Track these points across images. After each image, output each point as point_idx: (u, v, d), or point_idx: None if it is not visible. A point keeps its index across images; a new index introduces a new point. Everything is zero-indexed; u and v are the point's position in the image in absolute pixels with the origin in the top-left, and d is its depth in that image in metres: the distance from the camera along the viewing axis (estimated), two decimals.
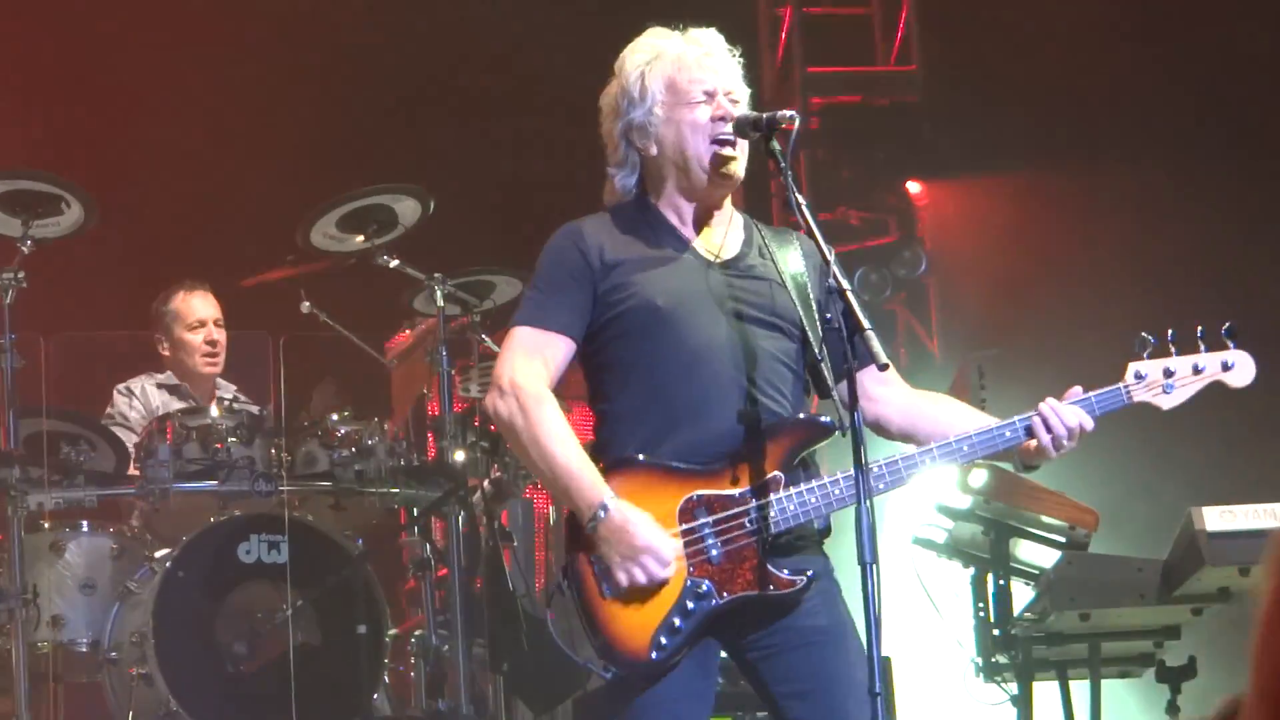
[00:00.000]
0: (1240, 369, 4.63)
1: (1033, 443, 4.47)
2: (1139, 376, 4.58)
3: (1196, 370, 4.61)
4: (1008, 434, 4.48)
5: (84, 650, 7.12)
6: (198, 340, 8.08)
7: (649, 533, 4.29)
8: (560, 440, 4.38)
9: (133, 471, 7.27)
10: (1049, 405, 4.47)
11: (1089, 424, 4.48)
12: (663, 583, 4.31)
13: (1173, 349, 4.61)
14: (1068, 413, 4.46)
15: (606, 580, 4.34)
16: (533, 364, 4.45)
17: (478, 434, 7.44)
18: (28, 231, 7.01)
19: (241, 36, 10.24)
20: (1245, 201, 9.56)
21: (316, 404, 7.64)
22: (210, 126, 10.26)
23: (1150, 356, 4.58)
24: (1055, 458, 4.48)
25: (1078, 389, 4.52)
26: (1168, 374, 4.59)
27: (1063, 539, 6.64)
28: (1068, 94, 10.22)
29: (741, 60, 4.65)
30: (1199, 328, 4.62)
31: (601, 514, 4.30)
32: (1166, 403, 4.60)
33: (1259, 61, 9.64)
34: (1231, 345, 4.63)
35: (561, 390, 4.57)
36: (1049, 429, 4.44)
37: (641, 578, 4.28)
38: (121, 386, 8.11)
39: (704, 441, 4.40)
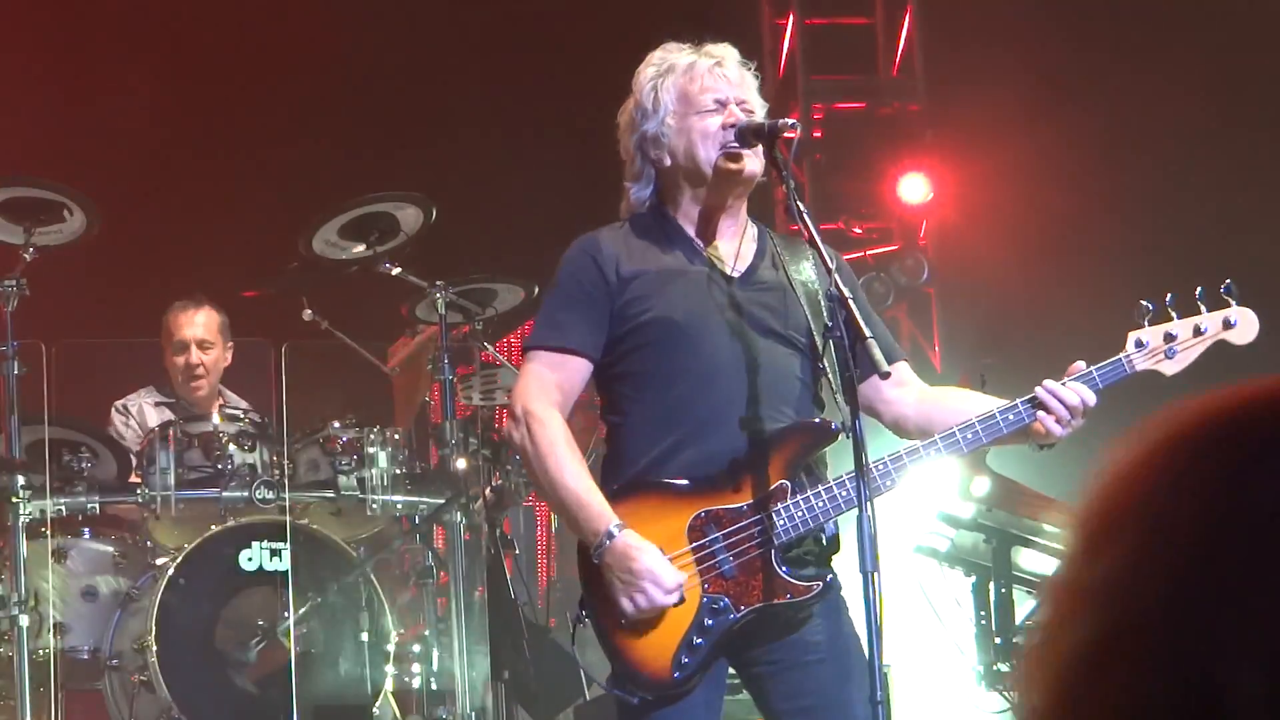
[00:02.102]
0: (1243, 326, 4.49)
1: (1037, 426, 4.44)
2: (1140, 345, 4.47)
3: (1198, 332, 4.48)
4: (1010, 417, 4.44)
5: (85, 657, 7.12)
6: (179, 362, 8.06)
7: (651, 559, 4.28)
8: (568, 469, 4.38)
9: (134, 479, 7.27)
10: (1047, 386, 4.44)
11: (1090, 399, 4.43)
12: (665, 609, 4.31)
13: (1173, 313, 4.48)
14: (1066, 393, 4.42)
15: (634, 618, 4.33)
16: (545, 388, 4.45)
17: (479, 442, 7.44)
18: (30, 239, 7.01)
19: (245, 45, 10.25)
20: (1253, 204, 9.56)
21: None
22: (213, 133, 10.27)
23: (1150, 323, 4.48)
24: (1058, 435, 4.43)
25: (1080, 364, 4.48)
26: (1169, 339, 4.46)
27: (1065, 547, 6.63)
28: (1071, 102, 10.21)
29: (758, 76, 4.65)
30: (1198, 289, 4.52)
31: (607, 541, 4.29)
32: (1170, 368, 4.46)
33: (1266, 70, 9.65)
34: (1233, 303, 4.50)
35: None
36: (1049, 410, 4.41)
37: (643, 603, 4.27)
38: (119, 404, 8.09)
39: (713, 456, 4.40)
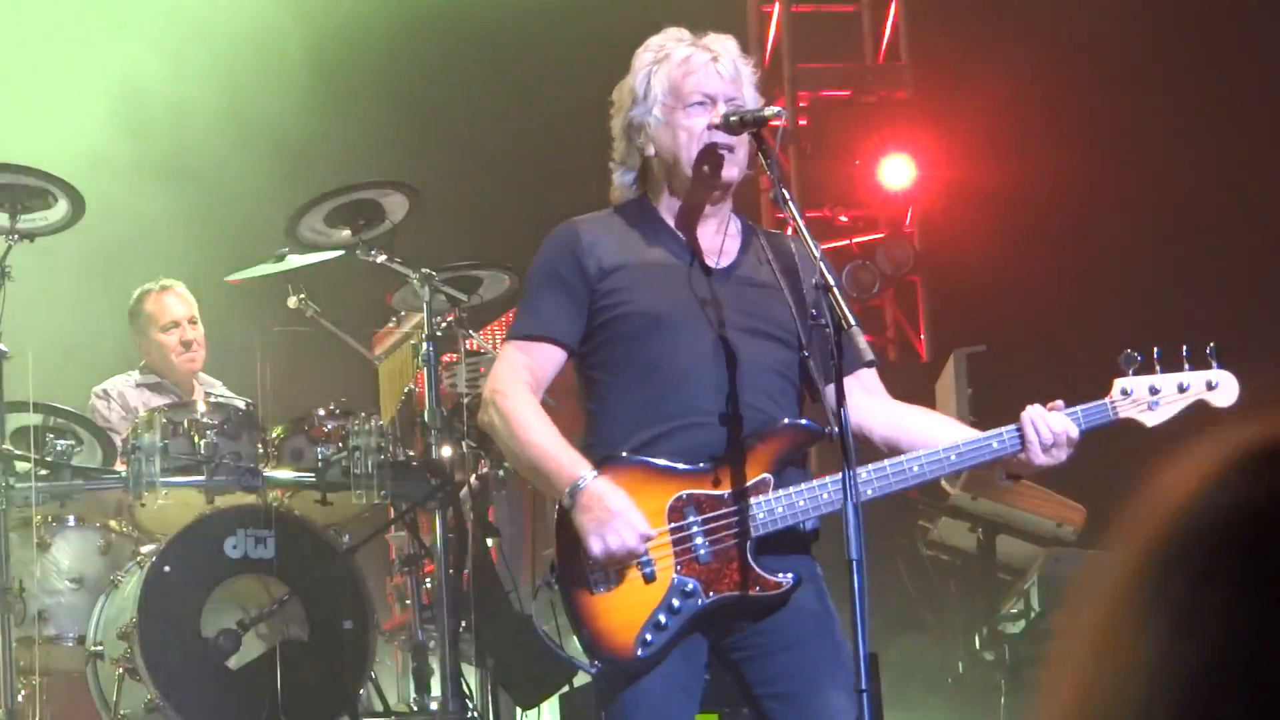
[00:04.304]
0: (1224, 389, 4.66)
1: (1022, 455, 4.48)
2: (1125, 393, 4.61)
3: (1181, 389, 4.64)
4: (994, 444, 4.49)
5: (70, 645, 7.11)
6: (173, 341, 8.06)
7: (621, 502, 4.29)
8: (534, 429, 4.40)
9: (119, 466, 7.26)
10: (1034, 410, 4.48)
11: (1074, 432, 4.49)
12: (631, 552, 4.30)
13: (1158, 367, 4.64)
14: (1054, 419, 4.47)
15: (596, 574, 4.33)
16: (514, 372, 4.47)
17: (464, 429, 7.43)
18: (14, 225, 7.00)
19: (230, 30, 10.23)
20: (1241, 199, 9.57)
21: None
22: (197, 120, 10.25)
23: (1136, 373, 4.61)
24: (1041, 464, 4.47)
25: (1059, 403, 4.54)
26: (1153, 391, 4.62)
27: (1049, 536, 6.66)
28: (1057, 89, 10.22)
29: (757, 71, 4.63)
30: (1184, 347, 4.65)
31: (581, 485, 4.30)
32: (1151, 420, 4.63)
33: (1259, 59, 9.67)
34: (1215, 365, 4.66)
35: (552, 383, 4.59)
36: (1036, 432, 4.45)
37: (614, 543, 4.27)
38: (98, 389, 8.06)
39: (696, 445, 4.40)
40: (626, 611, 4.34)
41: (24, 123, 9.51)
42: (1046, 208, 10.28)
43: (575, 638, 4.41)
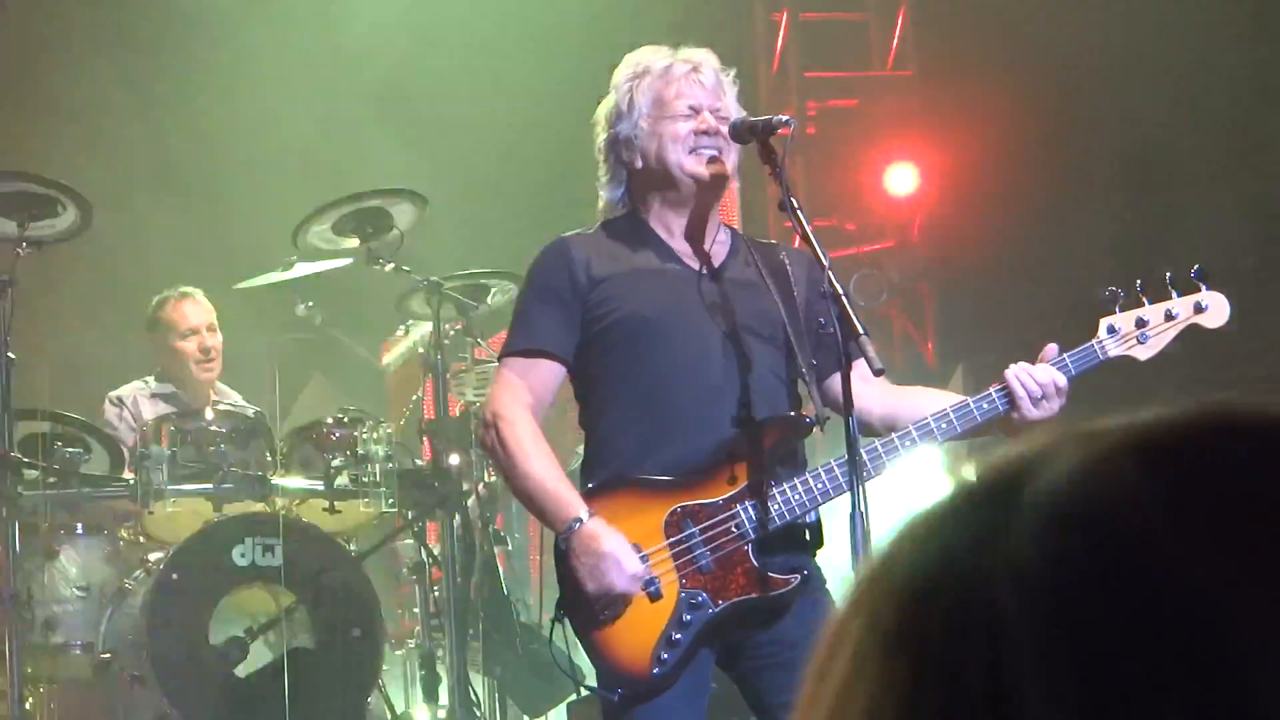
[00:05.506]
0: (1214, 309, 4.52)
1: (1014, 414, 4.46)
2: (1112, 331, 4.51)
3: (1170, 316, 4.52)
4: (984, 405, 4.47)
5: (78, 653, 7.12)
6: (191, 348, 8.04)
7: (617, 543, 4.29)
8: (535, 461, 4.40)
9: (128, 474, 7.26)
10: (1018, 366, 4.46)
11: (1061, 380, 4.45)
12: (640, 604, 4.31)
13: (1144, 299, 4.52)
14: (1038, 371, 4.45)
15: (601, 603, 4.34)
16: (514, 391, 4.48)
17: (473, 438, 7.44)
18: (24, 234, 7.01)
19: (239, 38, 10.24)
20: (1241, 208, 9.57)
21: (305, 403, 7.64)
22: (206, 128, 10.26)
23: (1122, 309, 4.52)
24: (1036, 418, 4.44)
25: (1053, 347, 4.51)
26: (1140, 324, 4.50)
27: None
28: (1066, 98, 10.22)
29: (737, 82, 4.66)
30: (1168, 273, 4.55)
31: (575, 525, 4.31)
32: (1143, 353, 4.51)
33: (1247, 79, 9.66)
34: (1204, 287, 4.55)
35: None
36: (1023, 391, 4.43)
37: (605, 584, 4.28)
38: (113, 395, 8.06)
39: (689, 452, 4.41)
40: (637, 632, 4.35)
41: (33, 129, 9.53)
42: (1055, 217, 10.27)
43: (594, 669, 4.42)
